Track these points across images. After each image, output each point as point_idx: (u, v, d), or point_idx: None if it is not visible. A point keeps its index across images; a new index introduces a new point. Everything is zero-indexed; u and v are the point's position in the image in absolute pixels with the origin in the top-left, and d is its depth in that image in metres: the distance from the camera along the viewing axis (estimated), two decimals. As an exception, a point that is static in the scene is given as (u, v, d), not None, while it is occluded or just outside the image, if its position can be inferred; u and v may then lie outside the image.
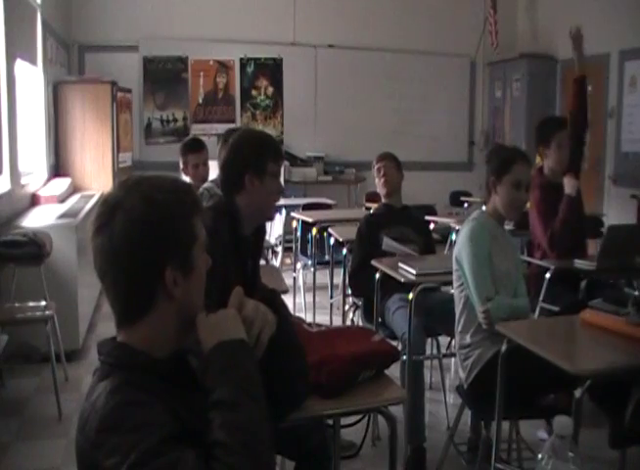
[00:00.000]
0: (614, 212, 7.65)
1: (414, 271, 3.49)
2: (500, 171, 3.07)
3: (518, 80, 9.57)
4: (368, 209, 6.17)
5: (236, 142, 2.67)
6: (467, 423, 3.56)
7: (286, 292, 3.39)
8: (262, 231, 2.83)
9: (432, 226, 4.86)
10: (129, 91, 8.32)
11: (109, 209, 1.37)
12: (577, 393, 2.30)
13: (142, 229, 1.35)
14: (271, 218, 3.05)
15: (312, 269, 5.88)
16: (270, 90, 9.53)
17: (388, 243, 4.07)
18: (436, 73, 10.04)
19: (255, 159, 2.59)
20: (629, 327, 2.56)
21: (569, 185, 4.07)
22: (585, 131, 4.66)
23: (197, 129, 9.05)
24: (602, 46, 7.83)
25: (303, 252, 6.38)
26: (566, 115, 4.85)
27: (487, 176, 3.13)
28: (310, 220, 5.79)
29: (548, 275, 3.94)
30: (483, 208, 3.20)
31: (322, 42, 9.53)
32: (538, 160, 4.42)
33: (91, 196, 6.58)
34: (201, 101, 9.27)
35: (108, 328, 4.87)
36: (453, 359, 4.47)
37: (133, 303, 1.39)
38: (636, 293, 2.70)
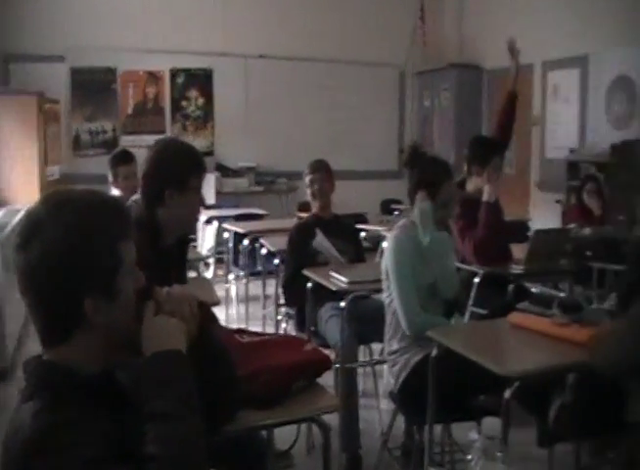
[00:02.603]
0: (539, 217, 7.82)
1: (345, 279, 3.52)
2: (428, 190, 3.09)
3: (446, 90, 9.73)
4: (300, 218, 6.17)
5: (157, 155, 2.61)
6: (401, 428, 3.59)
7: (217, 304, 3.36)
8: (186, 240, 2.79)
9: (362, 234, 4.89)
10: (57, 102, 8.14)
11: (29, 227, 1.32)
12: (507, 394, 2.35)
13: (59, 260, 1.29)
14: (193, 232, 3.02)
15: (244, 281, 5.85)
16: (201, 101, 9.47)
17: (319, 239, 4.05)
18: (367, 83, 10.13)
19: (177, 174, 2.54)
20: (555, 327, 2.64)
21: (486, 192, 4.14)
22: (508, 145, 4.79)
23: (126, 141, 8.89)
24: (526, 57, 8.00)
25: (236, 263, 6.35)
26: (492, 123, 4.95)
27: (411, 185, 3.16)
28: (242, 231, 5.77)
29: (477, 280, 4.01)
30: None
31: (253, 52, 9.51)
32: (464, 172, 4.44)
33: (17, 210, 6.39)
34: (130, 112, 9.14)
35: (37, 345, 4.73)
36: (385, 366, 4.50)
37: (52, 327, 1.36)
38: (561, 294, 2.79)
